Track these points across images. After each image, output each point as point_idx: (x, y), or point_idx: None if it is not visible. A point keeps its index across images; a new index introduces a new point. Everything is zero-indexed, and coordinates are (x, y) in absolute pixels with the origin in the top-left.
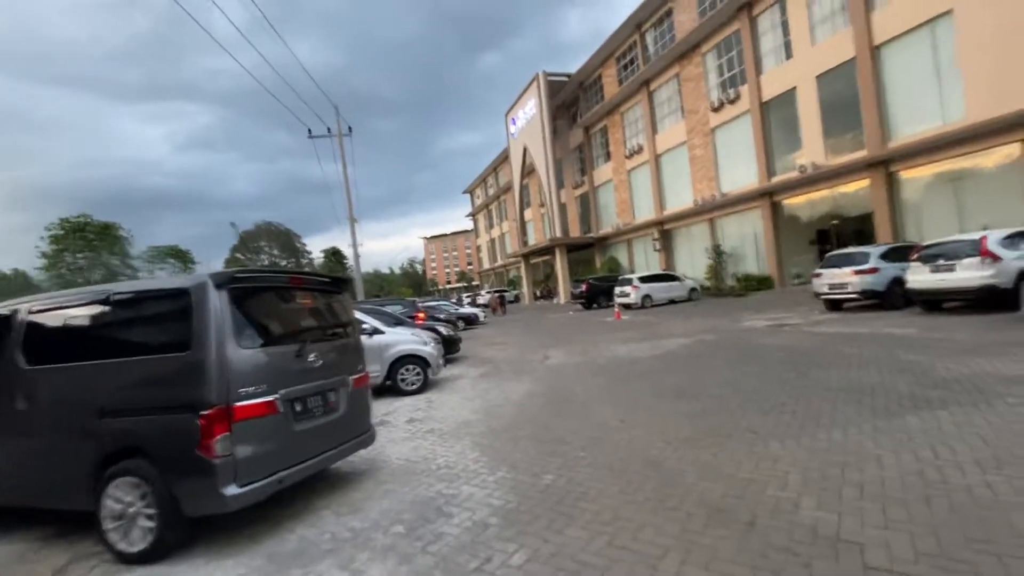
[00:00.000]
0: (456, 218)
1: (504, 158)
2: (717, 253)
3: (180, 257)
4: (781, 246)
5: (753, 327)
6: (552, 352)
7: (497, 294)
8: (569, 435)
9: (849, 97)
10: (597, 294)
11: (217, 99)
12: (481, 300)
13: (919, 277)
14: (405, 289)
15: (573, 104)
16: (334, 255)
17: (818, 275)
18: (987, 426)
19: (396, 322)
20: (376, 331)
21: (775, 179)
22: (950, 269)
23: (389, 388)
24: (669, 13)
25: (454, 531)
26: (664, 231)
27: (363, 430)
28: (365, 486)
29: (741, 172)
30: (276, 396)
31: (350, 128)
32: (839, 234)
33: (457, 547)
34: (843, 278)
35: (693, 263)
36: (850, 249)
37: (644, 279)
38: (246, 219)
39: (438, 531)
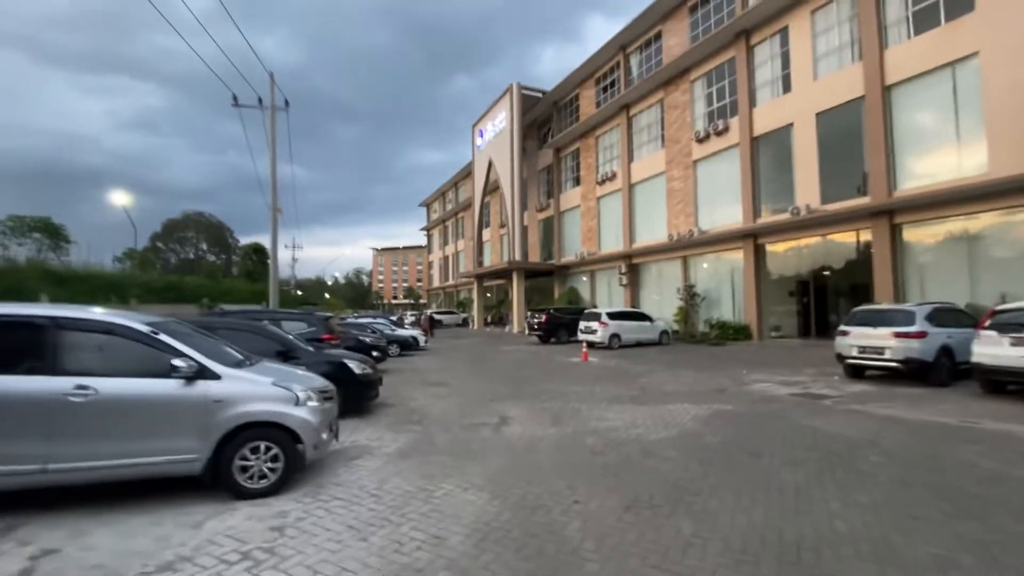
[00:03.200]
0: (411, 233)
1: (466, 174)
2: (690, 295)
3: (50, 232)
4: (762, 294)
5: (772, 394)
6: (511, 410)
7: (429, 315)
8: None
9: (853, 139)
10: (557, 327)
11: (168, 80)
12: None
13: (993, 351)
14: (337, 300)
15: (545, 124)
16: (255, 252)
17: (844, 333)
18: None
19: (282, 349)
20: (203, 372)
21: (761, 220)
22: None
23: (217, 482)
24: (658, 36)
25: None
26: (632, 265)
27: None
28: None
29: (723, 210)
30: None
31: (287, 101)
32: (826, 287)
33: None
34: (880, 340)
35: (661, 302)
36: (885, 306)
37: (613, 315)
38: (181, 210)
39: None
